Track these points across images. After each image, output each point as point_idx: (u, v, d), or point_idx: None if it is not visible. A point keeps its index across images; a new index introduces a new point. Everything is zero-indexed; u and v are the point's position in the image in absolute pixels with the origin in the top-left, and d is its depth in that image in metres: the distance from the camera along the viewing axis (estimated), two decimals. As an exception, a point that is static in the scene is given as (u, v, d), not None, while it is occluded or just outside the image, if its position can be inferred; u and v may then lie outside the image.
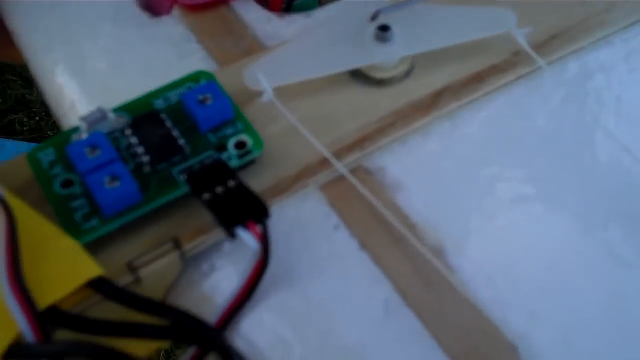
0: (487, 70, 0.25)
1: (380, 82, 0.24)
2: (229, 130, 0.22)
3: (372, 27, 0.24)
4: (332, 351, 0.20)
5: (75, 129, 0.22)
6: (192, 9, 0.27)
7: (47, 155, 0.21)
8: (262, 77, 0.23)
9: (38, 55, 0.26)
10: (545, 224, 0.22)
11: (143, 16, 0.27)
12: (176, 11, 0.27)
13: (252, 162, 0.22)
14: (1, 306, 0.18)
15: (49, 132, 1.13)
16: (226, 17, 0.27)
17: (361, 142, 0.23)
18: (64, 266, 0.19)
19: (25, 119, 1.16)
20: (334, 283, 0.21)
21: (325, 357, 0.20)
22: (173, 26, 0.27)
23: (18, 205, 0.20)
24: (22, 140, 1.12)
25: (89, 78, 0.25)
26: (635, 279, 0.21)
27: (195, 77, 0.23)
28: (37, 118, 1.17)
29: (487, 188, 0.23)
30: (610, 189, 0.23)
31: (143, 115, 0.22)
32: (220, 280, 0.21)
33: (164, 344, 0.21)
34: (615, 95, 0.25)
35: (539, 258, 0.22)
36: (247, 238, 0.19)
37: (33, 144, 1.08)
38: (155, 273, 0.21)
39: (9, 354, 0.17)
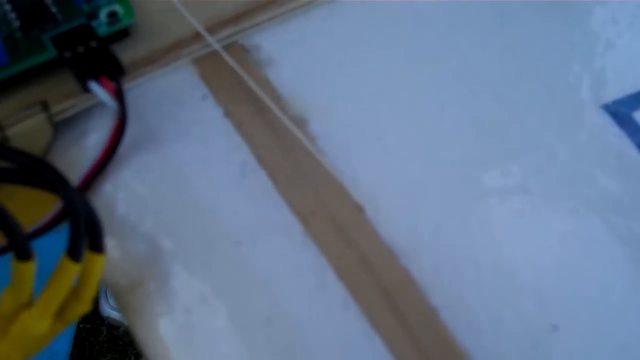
0: (372, -44, 0.25)
1: (263, -35, 0.25)
2: (102, 1, 0.23)
3: None
4: (185, 207, 0.21)
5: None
6: None
7: None
8: (140, -47, 0.24)
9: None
10: (404, 98, 0.23)
11: None
12: None
13: (126, 34, 0.23)
14: None
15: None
16: None
17: (237, 19, 0.24)
18: None
19: None
20: (195, 147, 0.22)
21: (179, 212, 0.21)
22: None
23: None
24: None
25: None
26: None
27: (76, -47, 0.24)
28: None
29: (359, 63, 0.23)
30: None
31: (18, -15, 0.23)
32: (90, 144, 0.22)
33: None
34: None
35: (390, 129, 0.22)
36: (100, 92, 0.20)
37: None
38: (23, 133, 0.21)
39: None
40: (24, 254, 0.18)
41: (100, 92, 0.20)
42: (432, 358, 0.18)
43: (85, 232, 0.19)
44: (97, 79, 0.20)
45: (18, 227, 0.18)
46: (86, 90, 0.21)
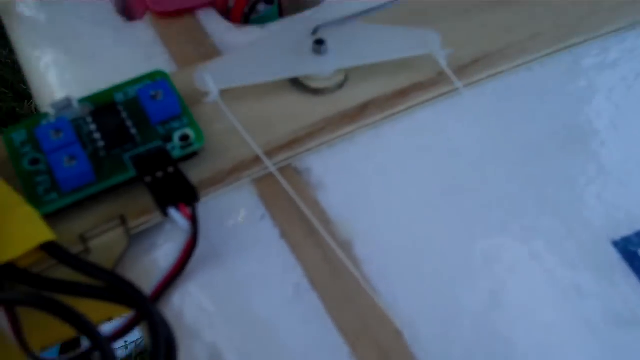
0: (412, 86, 0.28)
1: (315, 92, 0.28)
2: (176, 124, 0.26)
3: (311, 40, 0.28)
4: (246, 323, 0.24)
5: (46, 115, 0.26)
6: (162, 15, 0.30)
7: (20, 135, 0.25)
8: (209, 79, 0.26)
9: (25, 50, 0.30)
10: (438, 225, 0.26)
11: (119, 19, 0.30)
12: (148, 17, 0.30)
13: (194, 154, 0.26)
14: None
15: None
16: (191, 25, 0.30)
17: (292, 144, 0.27)
18: (22, 230, 0.22)
19: (14, 133, 1.18)
20: (254, 266, 0.24)
21: (240, 328, 0.24)
22: (144, 30, 0.30)
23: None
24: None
25: (68, 72, 0.29)
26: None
27: (152, 76, 0.27)
28: (26, 133, 1.18)
29: (398, 190, 0.26)
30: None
31: (103, 107, 0.26)
32: (160, 257, 0.25)
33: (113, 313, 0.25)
34: (522, 120, 0.29)
35: (425, 255, 0.25)
36: (178, 218, 0.23)
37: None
38: (103, 245, 0.24)
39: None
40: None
41: (177, 217, 0.23)
42: None
43: (164, 349, 0.21)
44: (175, 205, 0.23)
45: (102, 336, 0.21)
46: (165, 214, 0.23)
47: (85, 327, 0.21)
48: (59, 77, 0.29)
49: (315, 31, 0.28)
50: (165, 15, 0.30)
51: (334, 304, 0.24)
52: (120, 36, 0.30)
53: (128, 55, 0.29)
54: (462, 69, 0.29)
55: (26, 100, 1.23)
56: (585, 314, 0.24)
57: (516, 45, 0.30)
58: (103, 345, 0.21)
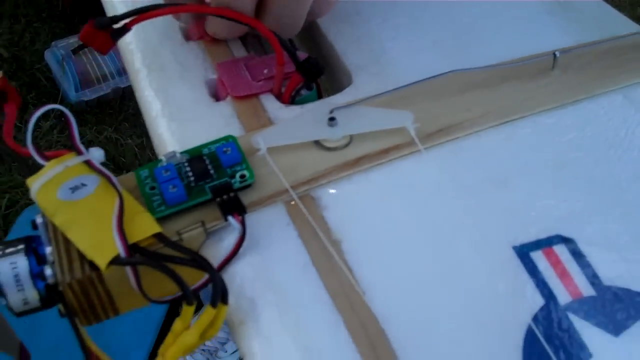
0: (393, 147, 0.43)
1: (329, 149, 0.43)
2: (238, 168, 0.42)
3: (327, 117, 0.44)
4: (272, 285, 0.39)
5: (160, 160, 0.42)
6: (237, 98, 0.47)
7: (144, 172, 0.42)
8: (261, 141, 0.43)
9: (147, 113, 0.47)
10: (406, 235, 0.40)
11: (211, 100, 0.47)
12: (229, 98, 0.47)
13: (248, 186, 0.42)
14: (110, 240, 0.38)
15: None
16: (255, 104, 0.47)
17: (310, 181, 0.42)
18: (143, 225, 0.39)
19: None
20: (280, 252, 0.40)
21: (268, 288, 0.39)
22: (225, 106, 0.47)
23: (126, 195, 0.40)
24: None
25: (177, 131, 0.46)
26: None
27: (227, 138, 0.43)
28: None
29: (377, 212, 0.41)
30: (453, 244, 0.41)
31: (195, 157, 0.42)
32: (224, 245, 0.41)
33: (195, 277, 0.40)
34: (472, 174, 0.43)
35: (396, 250, 0.40)
36: (233, 222, 0.39)
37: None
38: (190, 237, 0.40)
39: (112, 262, 0.37)
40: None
41: (233, 222, 0.39)
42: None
43: (220, 294, 0.37)
44: (232, 215, 0.39)
45: (188, 287, 0.37)
46: (226, 220, 0.39)
47: (179, 281, 0.36)
48: (171, 134, 0.46)
49: (331, 111, 0.44)
50: (239, 98, 0.47)
51: (325, 275, 0.39)
52: (212, 110, 0.47)
53: (215, 123, 0.46)
54: (430, 135, 0.44)
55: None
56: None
57: (471, 120, 0.45)
58: (184, 287, 0.37)
